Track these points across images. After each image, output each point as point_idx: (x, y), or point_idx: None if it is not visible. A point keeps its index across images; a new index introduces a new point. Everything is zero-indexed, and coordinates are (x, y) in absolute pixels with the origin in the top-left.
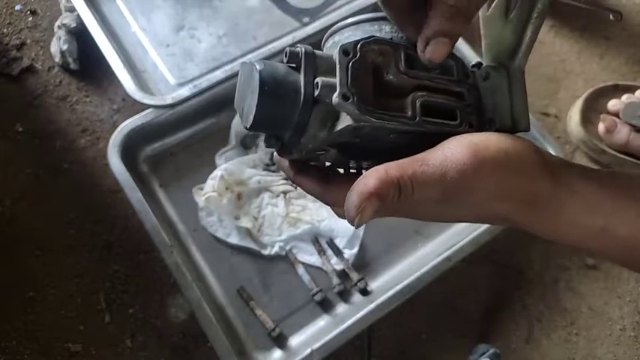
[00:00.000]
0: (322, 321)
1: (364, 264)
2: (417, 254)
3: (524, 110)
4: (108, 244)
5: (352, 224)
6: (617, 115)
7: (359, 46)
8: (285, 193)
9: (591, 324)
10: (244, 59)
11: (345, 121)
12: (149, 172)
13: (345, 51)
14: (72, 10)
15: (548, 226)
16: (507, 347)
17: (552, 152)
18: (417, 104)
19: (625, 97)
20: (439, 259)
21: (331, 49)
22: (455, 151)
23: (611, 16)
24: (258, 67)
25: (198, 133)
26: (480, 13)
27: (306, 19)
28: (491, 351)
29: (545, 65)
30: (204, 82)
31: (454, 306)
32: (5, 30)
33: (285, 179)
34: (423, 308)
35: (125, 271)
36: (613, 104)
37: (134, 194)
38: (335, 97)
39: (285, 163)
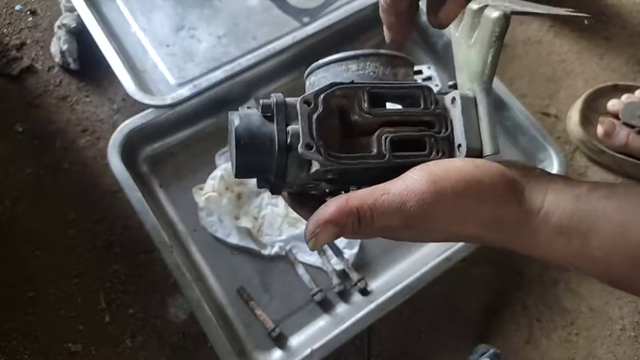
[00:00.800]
0: (322, 321)
1: (364, 264)
2: (417, 254)
3: (492, 133)
4: (108, 244)
5: (308, 247)
6: (616, 115)
7: (320, 96)
8: None
9: (591, 324)
10: (244, 59)
11: (315, 165)
12: (149, 172)
13: (306, 101)
14: (72, 10)
15: (522, 247)
16: (507, 347)
17: (553, 153)
18: (385, 141)
19: (625, 97)
20: (439, 259)
21: (309, 89)
22: (415, 180)
23: (585, 22)
24: (235, 122)
25: (198, 133)
26: (451, 32)
27: (306, 19)
28: (491, 351)
29: (545, 65)
30: (204, 82)
31: (454, 306)
32: (5, 30)
33: None
34: (423, 308)
35: (125, 271)
36: (613, 104)
37: (134, 194)
38: (299, 147)
39: (279, 195)
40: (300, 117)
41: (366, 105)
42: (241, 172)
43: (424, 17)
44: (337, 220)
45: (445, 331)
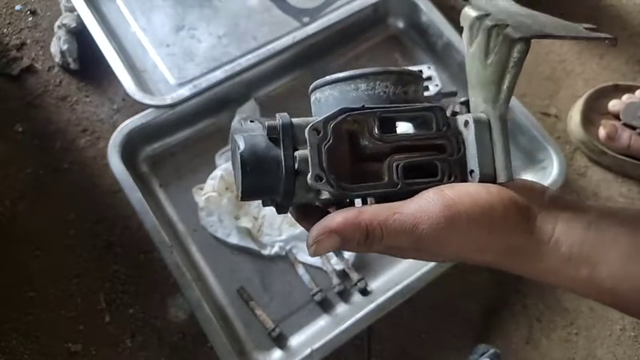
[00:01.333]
0: (322, 321)
1: (364, 264)
2: None
3: (507, 159)
4: (108, 244)
5: (309, 253)
6: (617, 115)
7: (330, 125)
8: None
9: (591, 324)
10: (244, 59)
11: (325, 194)
12: (149, 172)
13: (315, 129)
14: (72, 10)
15: (531, 274)
16: (507, 347)
17: (553, 153)
18: (397, 169)
19: (625, 97)
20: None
21: (314, 104)
22: (429, 203)
23: (606, 42)
24: (240, 146)
25: (198, 133)
26: (464, 44)
27: (306, 19)
28: (491, 351)
29: (545, 65)
30: (204, 82)
31: (454, 306)
32: (5, 30)
33: None
34: (423, 308)
35: (125, 271)
36: (613, 104)
37: (134, 194)
38: (309, 179)
39: (286, 213)
40: (309, 147)
41: (376, 131)
42: (247, 195)
43: (424, 17)
44: (343, 232)
45: (445, 331)
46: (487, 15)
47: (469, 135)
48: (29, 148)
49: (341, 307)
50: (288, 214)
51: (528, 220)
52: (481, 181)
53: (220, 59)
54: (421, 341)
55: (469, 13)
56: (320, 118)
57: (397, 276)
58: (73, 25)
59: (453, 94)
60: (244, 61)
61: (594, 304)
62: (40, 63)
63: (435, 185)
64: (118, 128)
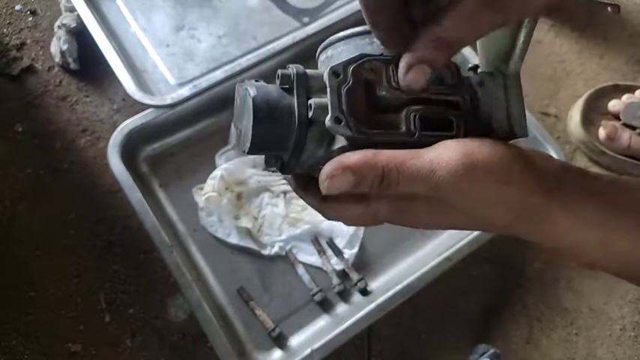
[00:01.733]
0: (322, 321)
1: (364, 264)
2: (417, 254)
3: (521, 116)
4: (108, 244)
5: (322, 189)
6: (617, 115)
7: (350, 67)
8: (285, 193)
9: (591, 324)
10: (244, 59)
11: (340, 141)
12: (149, 172)
13: (335, 72)
14: (72, 10)
15: (544, 236)
16: (507, 347)
17: (553, 153)
18: (415, 118)
19: (625, 98)
20: (439, 259)
21: (324, 63)
22: (448, 150)
23: (609, 9)
24: (251, 92)
25: (198, 133)
26: None
27: (306, 19)
28: (491, 351)
29: (545, 65)
30: (204, 82)
31: (454, 306)
32: (5, 30)
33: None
34: (423, 308)
35: (125, 271)
36: (613, 105)
37: (134, 194)
38: (327, 121)
39: (289, 175)
40: (329, 89)
41: (394, 81)
42: (256, 147)
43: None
44: (359, 170)
45: (445, 331)
46: None
47: (484, 92)
48: (29, 148)
49: (341, 307)
50: (288, 215)
51: (542, 181)
52: (498, 137)
53: (220, 59)
54: (421, 341)
55: None
56: (339, 62)
57: (397, 276)
58: (73, 25)
59: None
60: (244, 61)
61: (594, 304)
62: (40, 63)
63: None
64: (118, 128)
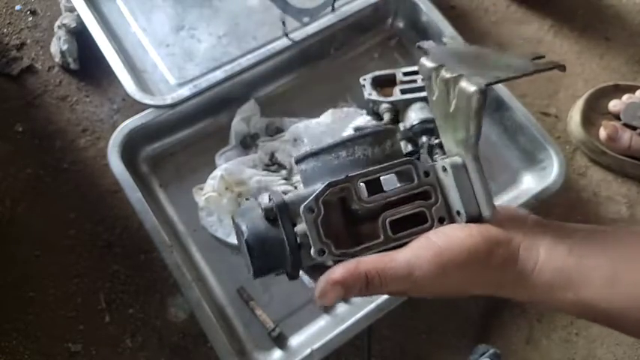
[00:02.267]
0: (322, 321)
1: None
2: None
3: (487, 196)
4: (108, 244)
5: (317, 303)
6: (617, 115)
7: (319, 200)
8: (285, 193)
9: (591, 324)
10: (244, 59)
11: (329, 261)
12: (149, 172)
13: (309, 209)
14: (72, 10)
15: (525, 299)
16: (507, 347)
17: (553, 153)
18: (387, 225)
19: (626, 98)
20: None
21: (301, 175)
22: (420, 252)
23: (556, 69)
24: (244, 233)
25: (198, 133)
26: (428, 95)
27: (306, 19)
28: (491, 351)
29: None
30: (204, 82)
31: (454, 306)
32: (5, 30)
33: (285, 179)
34: (423, 308)
35: (125, 271)
36: (614, 105)
37: (134, 194)
38: (312, 254)
39: (297, 278)
40: (307, 226)
41: (362, 196)
42: (259, 275)
43: (424, 17)
44: (345, 282)
45: (445, 331)
46: (442, 66)
47: (449, 180)
48: (29, 148)
49: (341, 307)
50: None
51: (512, 255)
52: (468, 220)
53: (220, 59)
54: (421, 341)
55: (426, 64)
56: (311, 197)
57: None
58: (73, 25)
59: None
60: (244, 61)
61: None
62: (40, 63)
63: (426, 231)
64: (118, 128)
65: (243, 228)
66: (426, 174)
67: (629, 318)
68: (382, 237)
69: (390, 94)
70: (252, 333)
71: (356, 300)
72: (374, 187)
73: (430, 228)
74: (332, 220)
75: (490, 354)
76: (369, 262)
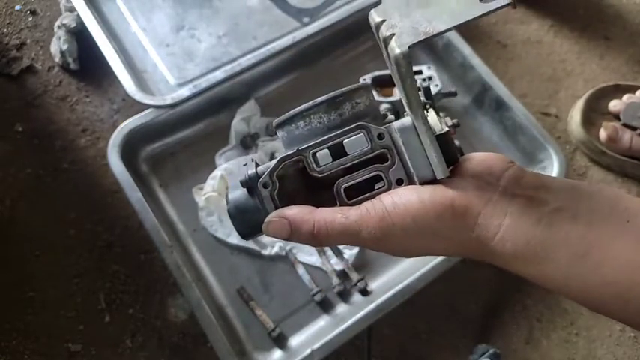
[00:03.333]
0: (322, 321)
1: (364, 264)
2: None
3: (439, 157)
4: (108, 244)
5: (263, 229)
6: (617, 115)
7: (274, 175)
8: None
9: (591, 324)
10: (244, 59)
11: None
12: (149, 172)
13: (264, 185)
14: (72, 10)
15: (491, 263)
16: (507, 347)
17: (553, 153)
18: (342, 192)
19: (626, 98)
20: (439, 259)
21: (281, 141)
22: (369, 213)
23: (507, 6)
24: (228, 203)
25: (198, 133)
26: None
27: (306, 19)
28: (491, 351)
29: (545, 65)
30: (204, 82)
31: (454, 306)
32: (5, 30)
33: None
34: (423, 308)
35: (125, 271)
36: (614, 105)
37: (134, 194)
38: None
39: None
40: (264, 200)
41: (315, 166)
42: (244, 237)
43: None
44: (293, 222)
45: (445, 331)
46: (384, 21)
47: (401, 143)
48: (29, 148)
49: (341, 307)
50: None
51: (467, 218)
52: (421, 182)
53: (220, 59)
54: (421, 341)
55: (372, 17)
56: (265, 173)
57: (397, 276)
58: (73, 25)
59: (453, 94)
60: (244, 61)
61: None
62: (40, 63)
63: (383, 192)
64: (118, 128)
65: (228, 198)
66: (380, 137)
67: (603, 297)
68: (338, 204)
69: (390, 94)
70: (252, 333)
71: (356, 300)
72: (337, 152)
73: (388, 189)
74: (291, 191)
75: (490, 354)
76: (322, 212)
